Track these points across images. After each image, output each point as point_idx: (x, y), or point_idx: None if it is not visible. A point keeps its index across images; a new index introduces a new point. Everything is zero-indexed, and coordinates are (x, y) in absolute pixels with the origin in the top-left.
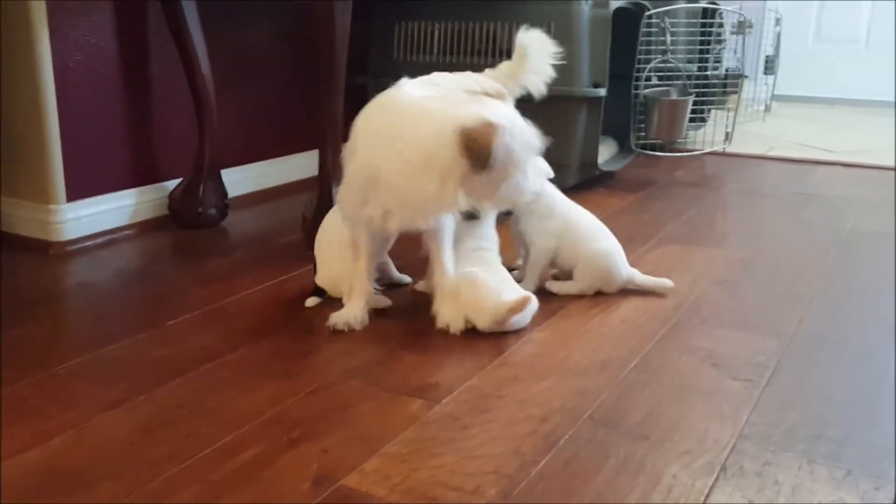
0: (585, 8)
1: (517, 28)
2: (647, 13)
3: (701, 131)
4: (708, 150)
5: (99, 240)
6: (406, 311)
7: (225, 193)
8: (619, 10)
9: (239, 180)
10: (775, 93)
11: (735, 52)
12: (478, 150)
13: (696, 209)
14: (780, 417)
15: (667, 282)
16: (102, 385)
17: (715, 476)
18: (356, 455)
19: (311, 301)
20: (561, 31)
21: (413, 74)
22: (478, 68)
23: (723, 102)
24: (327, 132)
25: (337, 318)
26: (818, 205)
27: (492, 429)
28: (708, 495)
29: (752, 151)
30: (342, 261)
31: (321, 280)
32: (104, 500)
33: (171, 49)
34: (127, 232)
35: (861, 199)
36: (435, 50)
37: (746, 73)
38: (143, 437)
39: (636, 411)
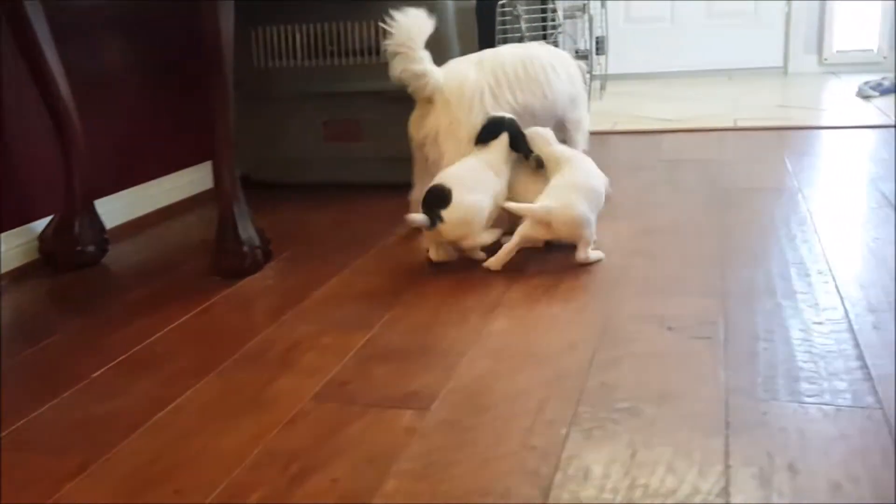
0: (450, 2)
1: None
2: (501, 2)
3: None
4: None
5: None
6: (339, 321)
7: (102, 227)
8: (477, 2)
9: (112, 210)
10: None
11: (582, 35)
12: None
13: None
14: (753, 368)
15: None
16: (52, 454)
17: (724, 434)
18: (369, 480)
19: (418, 217)
20: None
21: (277, 81)
22: (346, 70)
23: None
24: (221, 146)
25: None
26: (683, 169)
27: (494, 428)
28: (728, 453)
29: (602, 128)
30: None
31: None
32: None
33: (20, 71)
34: None
35: (715, 159)
36: (298, 54)
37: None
38: (127, 503)
39: (622, 386)
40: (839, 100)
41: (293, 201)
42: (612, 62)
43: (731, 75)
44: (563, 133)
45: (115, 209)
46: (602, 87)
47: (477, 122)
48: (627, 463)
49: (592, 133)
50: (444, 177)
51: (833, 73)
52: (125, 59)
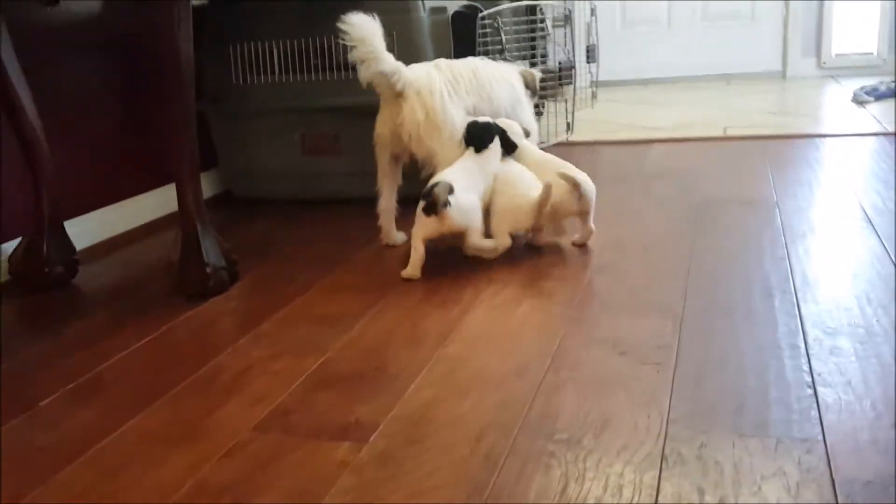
0: (424, 15)
1: None
2: (481, 14)
3: (542, 123)
4: (553, 141)
5: None
6: (295, 344)
7: (72, 248)
8: (455, 14)
9: (84, 231)
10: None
11: (565, 45)
12: None
13: None
14: (698, 396)
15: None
16: None
17: (658, 468)
18: None
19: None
20: (403, 39)
21: (256, 97)
22: (324, 85)
23: (557, 94)
24: (183, 166)
25: None
26: (665, 181)
27: (430, 459)
28: (659, 489)
29: (590, 138)
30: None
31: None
32: None
33: None
34: None
35: (699, 170)
36: (277, 70)
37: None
38: None
39: (564, 414)
40: (834, 106)
41: (269, 217)
42: (608, 68)
43: (730, 80)
44: None
45: (89, 228)
46: (594, 96)
47: (451, 111)
48: (556, 499)
49: (579, 143)
50: (443, 175)
51: (832, 76)
52: (95, 78)
